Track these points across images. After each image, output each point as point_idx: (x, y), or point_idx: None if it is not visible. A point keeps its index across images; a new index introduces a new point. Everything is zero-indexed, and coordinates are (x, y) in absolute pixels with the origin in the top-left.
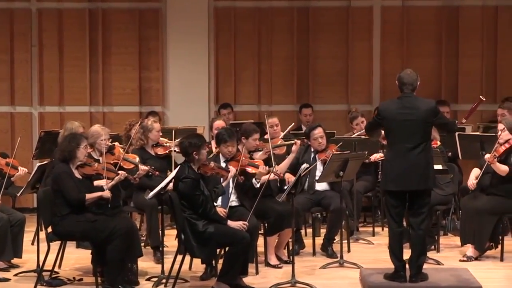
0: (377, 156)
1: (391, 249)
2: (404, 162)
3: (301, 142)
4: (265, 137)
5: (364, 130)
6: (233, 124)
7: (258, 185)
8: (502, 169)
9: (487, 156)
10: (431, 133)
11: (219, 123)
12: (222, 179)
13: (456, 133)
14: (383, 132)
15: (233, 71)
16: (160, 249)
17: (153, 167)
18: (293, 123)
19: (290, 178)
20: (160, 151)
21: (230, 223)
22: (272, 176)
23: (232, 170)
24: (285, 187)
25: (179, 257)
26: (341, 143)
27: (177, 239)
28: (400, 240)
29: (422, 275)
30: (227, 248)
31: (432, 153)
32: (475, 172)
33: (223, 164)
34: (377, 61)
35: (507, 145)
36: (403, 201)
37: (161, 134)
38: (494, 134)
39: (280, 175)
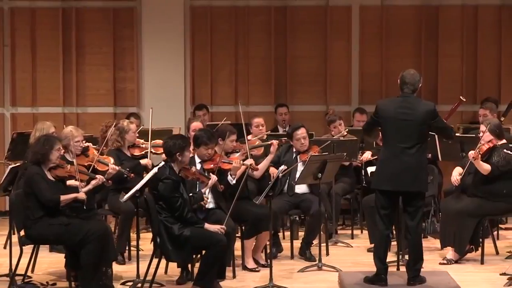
0: (368, 156)
1: (375, 251)
2: (398, 162)
3: (278, 142)
4: (248, 137)
5: (362, 131)
6: (209, 125)
7: (234, 181)
8: (485, 167)
9: (471, 152)
10: (428, 135)
11: (196, 125)
12: (201, 185)
13: (436, 135)
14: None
15: (210, 71)
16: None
17: (127, 169)
18: (269, 131)
19: (274, 172)
20: (136, 152)
21: (208, 226)
22: (249, 170)
23: (213, 177)
24: (270, 182)
25: (155, 261)
26: (325, 144)
27: (152, 242)
28: (387, 242)
29: (420, 278)
30: (203, 252)
31: (426, 155)
32: (458, 169)
33: (198, 165)
34: (355, 61)
35: (490, 144)
36: (394, 203)
37: (137, 135)
38: (474, 135)
39: (255, 168)
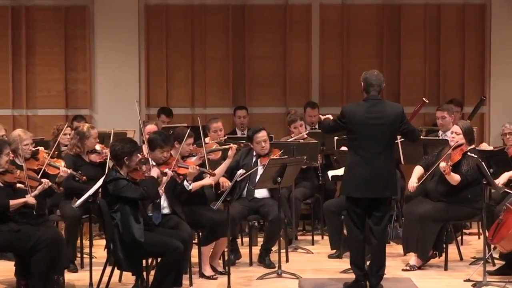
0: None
1: (352, 258)
2: (369, 168)
3: (237, 146)
4: (206, 140)
5: (322, 131)
6: (165, 128)
7: (190, 187)
8: (455, 179)
9: (442, 165)
10: (396, 138)
11: (151, 128)
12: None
13: (398, 137)
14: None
15: (165, 72)
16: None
17: (79, 172)
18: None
19: (225, 182)
20: (94, 158)
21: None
22: (209, 180)
23: (169, 173)
24: (220, 192)
25: (109, 268)
26: (283, 149)
27: (106, 249)
28: (363, 248)
29: (381, 286)
30: (159, 259)
31: (394, 159)
32: (418, 171)
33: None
34: (316, 61)
35: (460, 152)
36: (366, 208)
37: (98, 141)
38: (437, 138)
39: (213, 173)
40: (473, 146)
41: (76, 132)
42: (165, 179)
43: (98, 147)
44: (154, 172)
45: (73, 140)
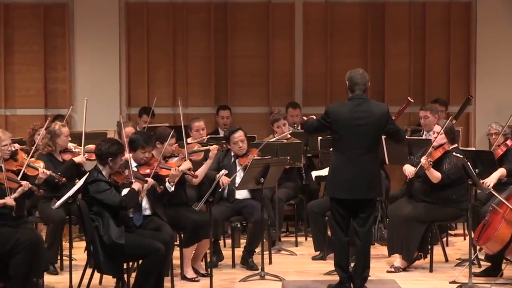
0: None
1: (336, 260)
2: (354, 169)
3: (219, 147)
4: (188, 140)
5: (305, 131)
6: (147, 128)
7: (172, 189)
8: (435, 175)
9: (422, 160)
10: (380, 139)
11: (129, 130)
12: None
13: (383, 137)
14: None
15: (146, 71)
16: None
17: (59, 173)
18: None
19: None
20: (68, 157)
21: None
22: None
23: (150, 181)
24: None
25: (89, 271)
26: (261, 147)
27: (86, 251)
28: (347, 250)
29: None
30: (140, 261)
31: (378, 160)
32: (409, 166)
33: (134, 169)
34: (299, 60)
35: (441, 150)
36: (351, 210)
37: (70, 139)
38: (423, 137)
39: (195, 175)
40: (456, 145)
41: (47, 131)
42: (145, 186)
43: (71, 145)
44: (136, 185)
45: (44, 140)
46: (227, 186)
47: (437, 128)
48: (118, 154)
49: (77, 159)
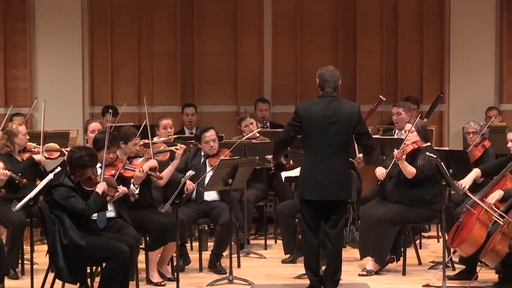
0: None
1: (307, 263)
2: (323, 169)
3: (186, 146)
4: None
5: (278, 144)
6: (112, 127)
7: (137, 191)
8: (409, 169)
9: (395, 152)
10: (351, 139)
11: (95, 126)
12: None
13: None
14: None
15: (110, 69)
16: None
17: (19, 174)
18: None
19: (189, 185)
20: (28, 156)
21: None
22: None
23: (122, 189)
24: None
25: (51, 275)
26: (233, 147)
27: (48, 255)
28: (318, 253)
29: None
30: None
31: (349, 160)
32: (381, 168)
33: (98, 170)
34: (268, 58)
35: (415, 145)
36: (322, 211)
37: (28, 137)
38: (395, 137)
39: (160, 177)
40: (429, 144)
41: (4, 132)
42: (117, 195)
43: (31, 145)
44: (100, 188)
45: (2, 140)
46: (196, 186)
47: (408, 126)
48: (88, 167)
49: (36, 157)
